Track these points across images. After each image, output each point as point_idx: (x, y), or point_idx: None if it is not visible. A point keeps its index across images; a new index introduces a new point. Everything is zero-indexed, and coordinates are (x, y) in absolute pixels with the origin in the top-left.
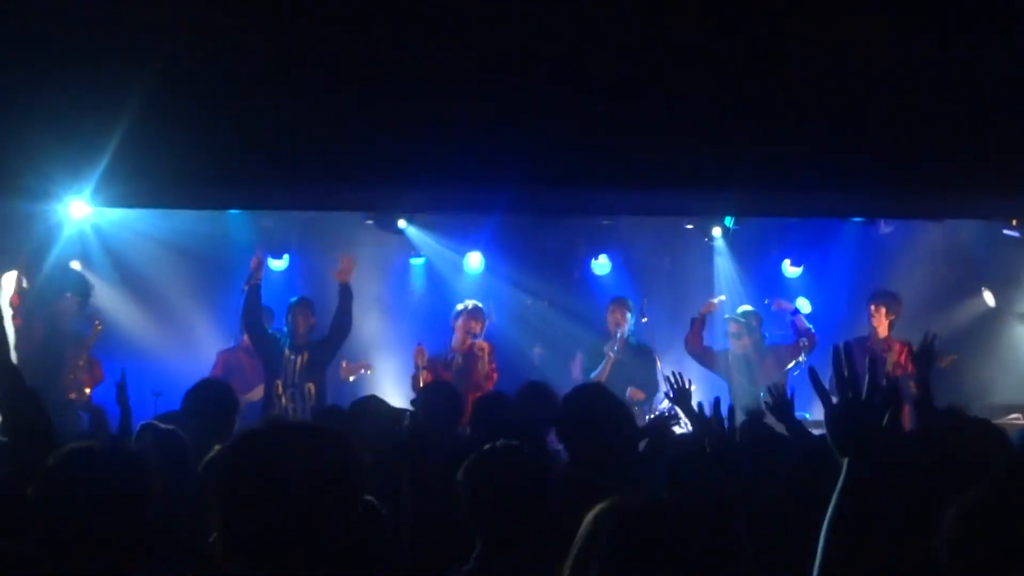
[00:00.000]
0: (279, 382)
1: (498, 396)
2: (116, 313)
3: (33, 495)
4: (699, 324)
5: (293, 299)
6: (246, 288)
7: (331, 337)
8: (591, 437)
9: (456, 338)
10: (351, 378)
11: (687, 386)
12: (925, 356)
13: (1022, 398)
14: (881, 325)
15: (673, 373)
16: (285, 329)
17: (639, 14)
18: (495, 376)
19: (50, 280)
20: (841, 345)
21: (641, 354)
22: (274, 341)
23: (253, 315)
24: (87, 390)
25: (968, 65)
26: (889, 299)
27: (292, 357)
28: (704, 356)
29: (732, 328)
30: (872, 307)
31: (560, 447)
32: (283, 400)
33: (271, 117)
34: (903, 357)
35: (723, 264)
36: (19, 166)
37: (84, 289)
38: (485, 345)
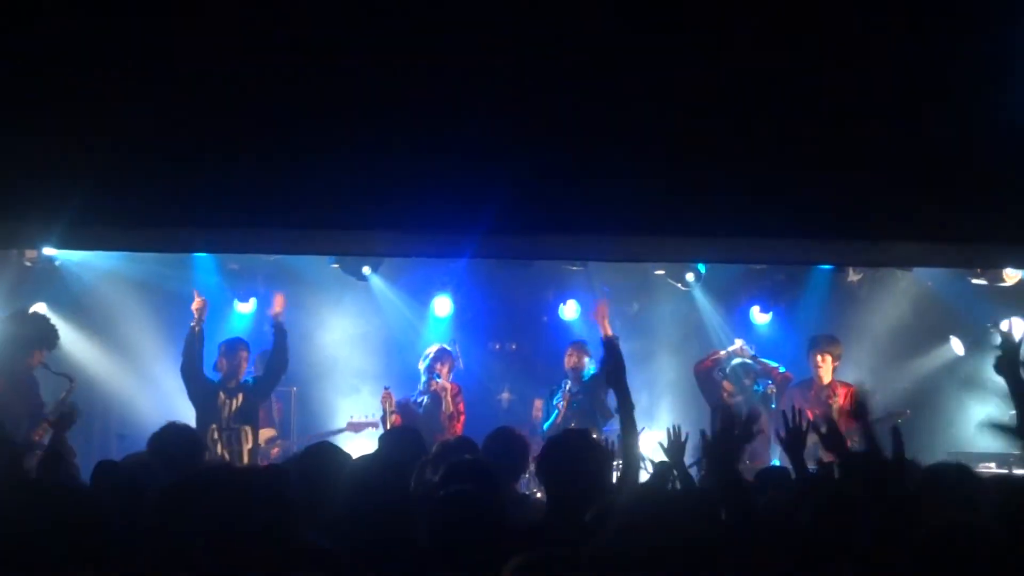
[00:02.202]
0: (214, 427)
1: (463, 441)
2: (80, 354)
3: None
4: (716, 359)
5: (225, 341)
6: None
7: (267, 377)
8: (569, 482)
9: (423, 380)
10: (356, 433)
11: (683, 440)
12: (859, 410)
13: (995, 447)
14: (825, 371)
15: (675, 427)
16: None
17: (606, 59)
18: (462, 417)
19: (17, 334)
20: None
21: (593, 383)
22: (207, 385)
23: (190, 359)
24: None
25: (938, 115)
26: (828, 344)
27: (226, 400)
28: (707, 386)
29: (726, 387)
30: (817, 356)
31: (531, 491)
32: (219, 446)
33: (238, 161)
34: (846, 401)
35: (693, 311)
36: None
37: (53, 340)
38: (448, 385)
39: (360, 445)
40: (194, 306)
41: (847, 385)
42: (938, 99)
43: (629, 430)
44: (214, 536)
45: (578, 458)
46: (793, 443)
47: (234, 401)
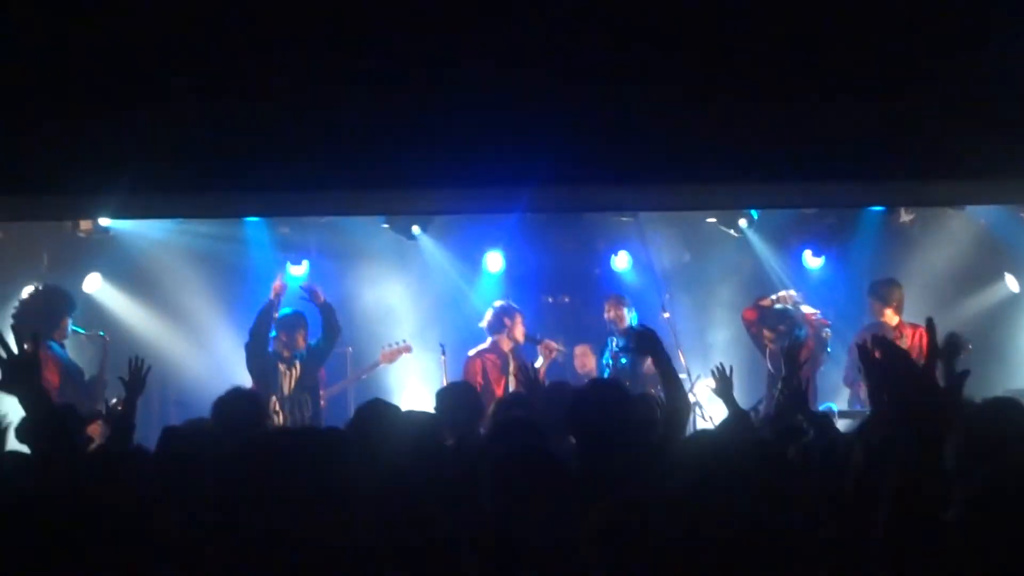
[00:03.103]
0: (275, 398)
1: (517, 397)
2: (135, 323)
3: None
4: (764, 306)
5: (284, 315)
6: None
7: (320, 347)
8: (599, 432)
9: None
10: (392, 363)
11: (729, 374)
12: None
13: None
14: (890, 317)
15: (720, 365)
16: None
17: (655, 10)
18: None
19: (48, 303)
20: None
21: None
22: (268, 359)
23: (259, 338)
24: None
25: (987, 49)
26: (888, 289)
27: (286, 371)
28: (755, 332)
29: (766, 335)
30: (878, 304)
31: None
32: (280, 416)
33: (286, 124)
34: (915, 341)
35: (745, 257)
36: (39, 179)
37: (71, 305)
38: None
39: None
40: (274, 288)
41: (915, 326)
42: (986, 33)
43: (671, 380)
44: (276, 499)
45: (607, 408)
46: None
47: (293, 371)
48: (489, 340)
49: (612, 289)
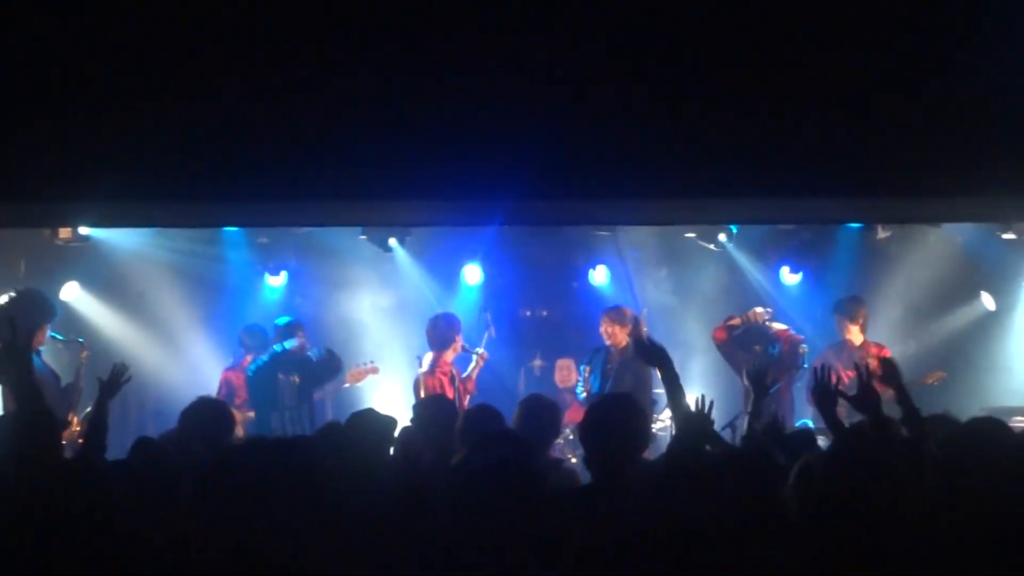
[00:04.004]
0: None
1: (486, 409)
2: (113, 332)
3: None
4: (733, 325)
5: (284, 320)
6: None
7: (319, 371)
8: (611, 444)
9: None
10: (359, 383)
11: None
12: (888, 376)
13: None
14: (854, 335)
15: (701, 398)
16: (277, 348)
17: (632, 23)
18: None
19: (25, 310)
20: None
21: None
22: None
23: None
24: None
25: (965, 69)
26: (852, 308)
27: (283, 379)
28: (727, 351)
29: (742, 356)
30: (844, 321)
31: (564, 456)
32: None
33: (266, 134)
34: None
35: (722, 272)
36: (16, 187)
37: (51, 312)
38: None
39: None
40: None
41: (880, 346)
42: (964, 51)
43: (677, 392)
44: (248, 510)
45: (620, 421)
46: (823, 400)
47: (293, 379)
48: (433, 355)
49: (591, 302)
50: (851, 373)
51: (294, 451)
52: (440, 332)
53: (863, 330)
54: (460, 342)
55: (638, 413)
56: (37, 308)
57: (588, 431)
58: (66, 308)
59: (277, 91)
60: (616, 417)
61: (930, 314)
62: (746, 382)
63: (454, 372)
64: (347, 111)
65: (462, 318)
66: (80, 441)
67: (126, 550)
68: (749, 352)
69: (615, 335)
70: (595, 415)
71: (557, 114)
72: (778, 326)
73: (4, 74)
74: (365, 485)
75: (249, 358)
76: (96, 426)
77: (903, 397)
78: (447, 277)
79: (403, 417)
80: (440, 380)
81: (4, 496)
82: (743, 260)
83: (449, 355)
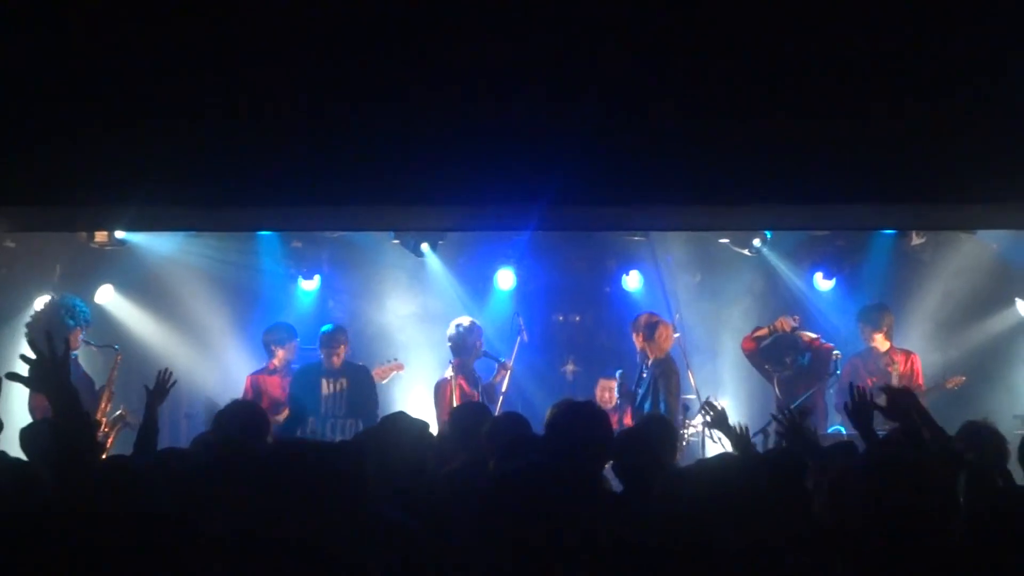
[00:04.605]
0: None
1: (515, 415)
2: (146, 335)
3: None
4: (761, 336)
5: (328, 328)
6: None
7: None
8: (643, 462)
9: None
10: (383, 381)
11: (721, 409)
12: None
13: None
14: (879, 343)
15: (707, 402)
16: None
17: (667, 26)
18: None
19: (57, 316)
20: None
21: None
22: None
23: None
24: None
25: (1000, 74)
26: (876, 315)
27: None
28: (757, 362)
29: (770, 368)
30: (867, 330)
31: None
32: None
33: (301, 140)
34: (907, 368)
35: (756, 278)
36: (52, 191)
37: (88, 318)
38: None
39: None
40: None
41: (908, 352)
42: (1000, 56)
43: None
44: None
45: (654, 438)
46: (858, 417)
47: (339, 385)
48: (454, 361)
49: (624, 308)
50: (878, 380)
51: (330, 453)
52: (458, 339)
53: (888, 336)
54: (479, 348)
55: (671, 431)
56: (70, 314)
57: (623, 444)
58: (100, 311)
59: (314, 96)
60: (651, 433)
61: (964, 321)
62: (778, 393)
63: (476, 378)
64: (382, 116)
65: (495, 323)
66: (110, 440)
67: (167, 551)
68: (779, 364)
69: (637, 342)
70: (629, 431)
71: (592, 119)
72: (808, 335)
73: (41, 79)
74: (403, 486)
75: (279, 356)
76: (147, 430)
77: (921, 423)
78: (480, 282)
79: (431, 421)
80: (459, 385)
81: (42, 500)
82: (777, 266)
83: (469, 361)
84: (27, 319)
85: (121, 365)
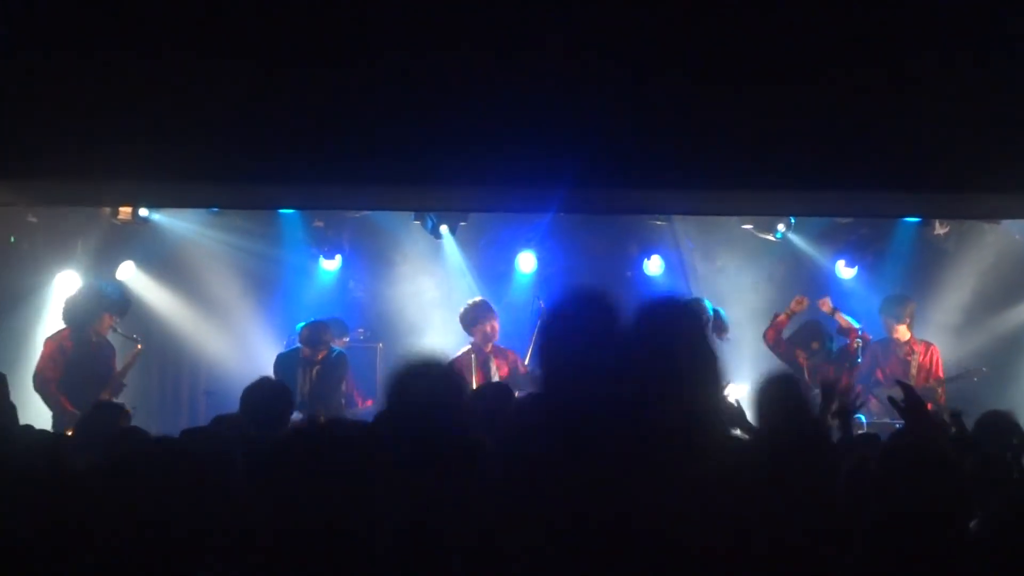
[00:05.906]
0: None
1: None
2: (167, 311)
3: None
4: (781, 322)
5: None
6: None
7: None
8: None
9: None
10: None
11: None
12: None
13: None
14: (900, 333)
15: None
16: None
17: (691, 13)
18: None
19: (87, 297)
20: None
21: None
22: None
23: None
24: None
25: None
26: (898, 306)
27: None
28: (782, 351)
29: (799, 355)
30: (889, 320)
31: None
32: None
33: (324, 117)
34: (926, 358)
35: (778, 265)
36: (74, 168)
37: (122, 307)
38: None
39: None
40: None
41: (928, 343)
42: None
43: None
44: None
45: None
46: (841, 417)
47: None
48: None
49: (645, 293)
50: (898, 369)
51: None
52: (463, 316)
53: (910, 327)
54: (487, 329)
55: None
56: (99, 298)
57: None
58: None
59: (337, 75)
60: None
61: (987, 311)
62: (809, 380)
63: (488, 352)
64: (404, 96)
65: (516, 306)
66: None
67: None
68: (807, 350)
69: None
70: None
71: (615, 101)
72: (844, 318)
73: (70, 51)
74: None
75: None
76: None
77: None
78: (501, 265)
79: None
80: (469, 360)
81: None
82: (800, 251)
83: (478, 340)
84: (63, 299)
85: (138, 359)
